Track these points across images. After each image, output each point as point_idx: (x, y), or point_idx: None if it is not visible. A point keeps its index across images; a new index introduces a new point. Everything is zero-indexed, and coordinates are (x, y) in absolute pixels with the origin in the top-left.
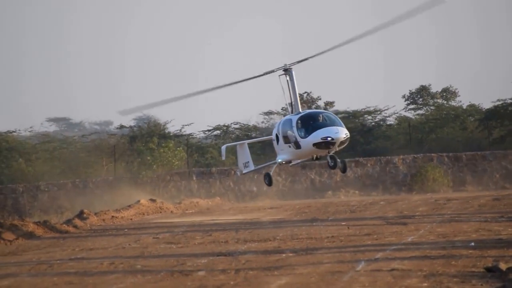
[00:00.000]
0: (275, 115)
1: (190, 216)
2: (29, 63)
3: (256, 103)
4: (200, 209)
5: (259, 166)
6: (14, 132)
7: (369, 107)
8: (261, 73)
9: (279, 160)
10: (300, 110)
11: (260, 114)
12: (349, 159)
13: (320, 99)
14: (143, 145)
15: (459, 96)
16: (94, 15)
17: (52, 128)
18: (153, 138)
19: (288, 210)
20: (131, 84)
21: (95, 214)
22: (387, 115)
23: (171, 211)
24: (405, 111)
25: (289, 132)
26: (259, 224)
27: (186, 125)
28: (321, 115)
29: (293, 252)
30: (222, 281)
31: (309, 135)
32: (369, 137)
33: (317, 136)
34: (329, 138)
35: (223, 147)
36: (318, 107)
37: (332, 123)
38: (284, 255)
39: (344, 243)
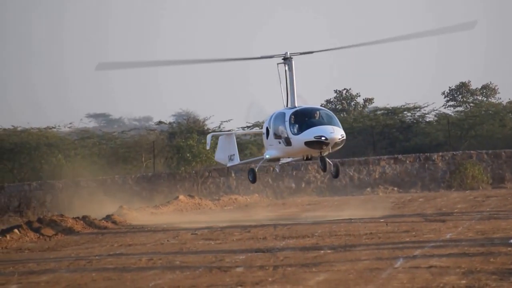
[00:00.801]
0: None
1: (229, 212)
2: (69, 59)
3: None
4: (239, 206)
5: (246, 161)
6: (54, 128)
7: (408, 103)
8: (259, 56)
9: (267, 156)
10: (296, 104)
11: None
12: (387, 156)
13: (359, 95)
14: (183, 142)
15: (498, 93)
16: (129, 11)
17: (91, 124)
18: (192, 135)
19: (326, 207)
20: (171, 80)
21: (134, 210)
22: (426, 112)
23: (210, 208)
24: (445, 108)
25: (281, 127)
26: (298, 220)
27: (225, 122)
28: (317, 112)
29: (332, 249)
30: (260, 277)
31: (301, 132)
32: (408, 134)
33: (310, 134)
34: (323, 138)
35: (209, 136)
36: (357, 104)
37: (329, 122)
38: (322, 251)
39: (383, 240)
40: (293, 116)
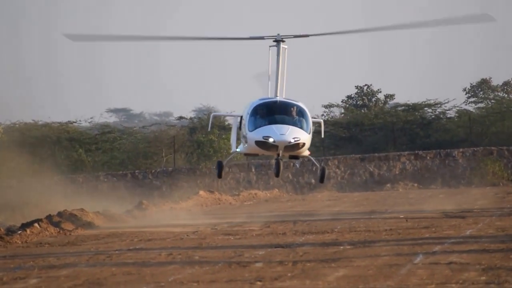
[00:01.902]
0: (335, 107)
1: (250, 207)
2: (90, 54)
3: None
4: (259, 201)
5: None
6: (75, 122)
7: (429, 100)
8: (248, 36)
9: (237, 150)
10: (278, 94)
11: (322, 106)
12: (408, 152)
13: (380, 91)
14: (203, 137)
15: None
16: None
17: (112, 119)
18: (213, 130)
19: (346, 202)
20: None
21: (154, 205)
22: (447, 108)
23: (230, 203)
24: (466, 104)
25: (243, 120)
26: (317, 216)
27: None
28: (279, 107)
29: (351, 244)
30: (279, 272)
31: (254, 129)
32: (428, 130)
33: (259, 133)
34: (270, 139)
35: (212, 115)
36: (378, 100)
37: (289, 121)
38: (342, 247)
39: (402, 236)
40: (254, 110)
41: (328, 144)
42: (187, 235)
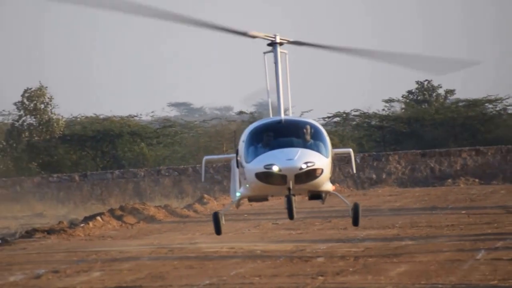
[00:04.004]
0: (396, 102)
1: (311, 202)
2: (148, 50)
3: (377, 91)
4: None
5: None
6: (136, 116)
7: (490, 95)
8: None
9: (238, 195)
10: (282, 112)
11: (382, 101)
12: (469, 147)
13: (440, 87)
14: None
15: None
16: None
17: (173, 113)
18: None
19: (407, 198)
20: (251, 68)
21: (215, 199)
22: (508, 104)
23: None
24: None
25: (239, 151)
26: (378, 211)
27: (305, 112)
28: (285, 128)
29: (413, 240)
30: (341, 267)
31: (253, 159)
32: (490, 126)
33: (260, 162)
34: (274, 168)
35: (204, 159)
36: (438, 96)
37: (297, 144)
38: (403, 242)
39: (464, 231)
40: (251, 135)
41: (388, 139)
42: (249, 230)
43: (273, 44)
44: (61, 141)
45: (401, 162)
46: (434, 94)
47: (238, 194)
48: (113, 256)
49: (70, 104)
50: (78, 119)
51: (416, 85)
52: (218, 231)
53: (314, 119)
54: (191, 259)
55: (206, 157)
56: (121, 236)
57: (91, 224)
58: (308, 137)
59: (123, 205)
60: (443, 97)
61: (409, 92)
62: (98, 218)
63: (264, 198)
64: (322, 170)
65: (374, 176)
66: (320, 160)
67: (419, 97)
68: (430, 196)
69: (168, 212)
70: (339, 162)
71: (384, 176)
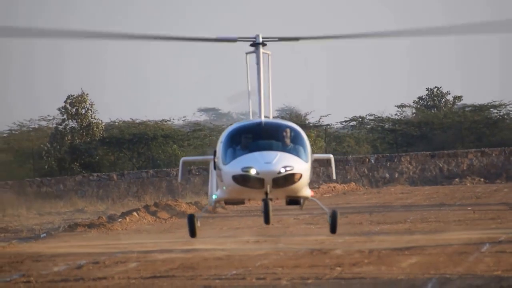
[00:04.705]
0: (407, 107)
1: (329, 199)
2: (179, 59)
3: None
4: (337, 193)
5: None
6: (169, 121)
7: (495, 101)
8: (214, 37)
9: (214, 198)
10: (262, 115)
11: (395, 106)
12: (475, 149)
13: (449, 93)
14: None
15: None
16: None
17: (202, 117)
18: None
19: (418, 196)
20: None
21: None
22: (511, 109)
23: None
24: None
25: (217, 154)
26: (391, 207)
27: (324, 116)
28: (264, 131)
29: (423, 233)
30: (357, 259)
31: (230, 162)
32: (494, 129)
33: (237, 165)
34: (251, 171)
35: (181, 160)
36: (447, 101)
37: (276, 147)
38: (414, 236)
39: (470, 226)
40: (229, 137)
41: (400, 141)
42: (272, 224)
43: (255, 44)
44: (100, 144)
45: (412, 163)
46: (443, 100)
47: (214, 196)
48: (148, 248)
49: (109, 109)
50: (116, 123)
51: (426, 92)
52: (192, 234)
53: (333, 122)
54: (218, 251)
55: (183, 158)
56: (155, 230)
57: (128, 219)
58: (288, 140)
59: (157, 201)
60: (451, 102)
61: (420, 98)
62: (134, 213)
63: (240, 202)
64: (301, 175)
65: (387, 175)
66: (299, 165)
67: (429, 103)
68: (439, 194)
69: (198, 208)
70: (355, 163)
71: (396, 175)
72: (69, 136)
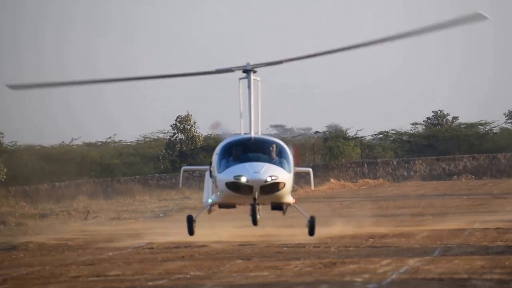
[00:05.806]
0: (419, 124)
1: (364, 191)
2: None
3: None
4: (369, 186)
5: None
6: (247, 133)
7: (482, 120)
8: (214, 70)
9: (209, 201)
10: (253, 131)
11: (410, 124)
12: (467, 155)
13: (448, 114)
14: (333, 143)
15: None
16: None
17: (273, 131)
18: (339, 139)
19: (427, 188)
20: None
21: (301, 187)
22: (494, 126)
23: (351, 187)
24: (505, 124)
25: (213, 164)
26: (408, 197)
27: (359, 130)
28: (253, 145)
29: (431, 215)
30: (384, 233)
31: (224, 170)
32: (481, 140)
33: (230, 173)
34: (242, 179)
35: (182, 169)
36: (447, 120)
37: (264, 159)
38: (425, 217)
39: (465, 210)
40: (223, 149)
41: (414, 149)
42: (324, 208)
43: (246, 71)
44: (201, 150)
45: (423, 164)
46: (445, 119)
47: (210, 200)
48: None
49: (205, 125)
50: (212, 135)
51: (432, 113)
52: (190, 232)
53: (365, 135)
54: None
55: (184, 167)
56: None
57: None
58: (274, 154)
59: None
60: (450, 121)
61: (428, 118)
62: None
63: (232, 205)
64: (285, 184)
65: (405, 173)
66: (283, 175)
67: (434, 121)
68: (442, 187)
69: None
70: (382, 164)
71: (412, 173)
72: (178, 145)
